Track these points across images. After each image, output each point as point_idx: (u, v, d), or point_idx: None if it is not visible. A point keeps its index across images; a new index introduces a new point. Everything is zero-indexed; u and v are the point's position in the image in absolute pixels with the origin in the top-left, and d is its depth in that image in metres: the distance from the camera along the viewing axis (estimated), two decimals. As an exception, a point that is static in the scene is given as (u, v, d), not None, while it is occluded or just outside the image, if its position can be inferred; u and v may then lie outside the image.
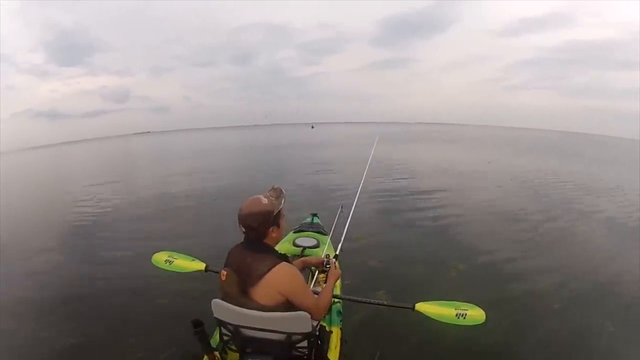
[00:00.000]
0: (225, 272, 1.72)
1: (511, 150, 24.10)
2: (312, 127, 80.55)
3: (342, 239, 2.89)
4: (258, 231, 1.72)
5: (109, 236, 6.32)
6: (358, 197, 3.58)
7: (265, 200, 1.74)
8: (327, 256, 2.33)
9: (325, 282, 2.86)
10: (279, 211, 1.78)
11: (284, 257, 1.77)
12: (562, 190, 9.96)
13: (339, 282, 3.01)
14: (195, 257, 2.66)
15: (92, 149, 41.84)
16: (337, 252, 2.68)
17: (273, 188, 1.86)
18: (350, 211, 3.28)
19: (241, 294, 1.67)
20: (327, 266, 2.25)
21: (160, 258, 2.68)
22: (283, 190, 1.86)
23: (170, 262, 2.64)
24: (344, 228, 3.03)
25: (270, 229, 1.74)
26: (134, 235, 6.21)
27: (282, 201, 1.81)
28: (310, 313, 1.69)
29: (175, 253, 2.72)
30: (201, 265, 2.54)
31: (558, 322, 3.38)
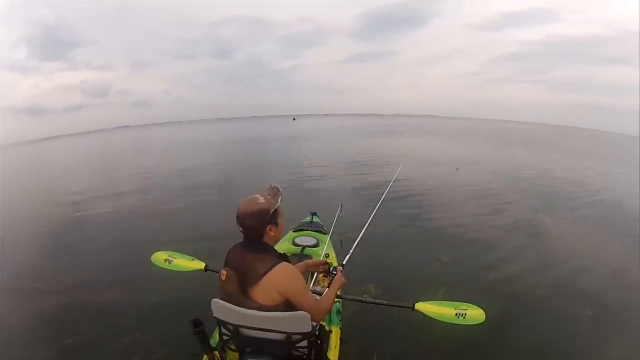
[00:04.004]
0: (225, 272, 1.71)
1: (492, 143, 24.39)
2: (294, 120, 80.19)
3: (352, 250, 2.73)
4: (256, 230, 1.71)
5: (103, 236, 6.16)
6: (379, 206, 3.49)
7: (261, 200, 1.74)
8: (331, 264, 2.29)
9: (326, 285, 2.85)
10: (276, 210, 1.77)
11: (284, 257, 1.77)
12: (541, 183, 10.25)
13: None
14: (194, 257, 2.63)
15: (75, 144, 40.63)
16: (345, 263, 2.57)
17: (270, 187, 1.85)
18: (368, 220, 3.12)
19: (241, 294, 1.65)
20: (334, 273, 2.21)
21: (159, 257, 2.66)
22: (280, 188, 1.85)
23: (170, 262, 2.62)
24: (355, 242, 2.82)
25: (268, 227, 1.73)
26: (130, 234, 6.14)
27: (279, 200, 1.81)
28: (309, 314, 1.68)
29: (175, 253, 2.70)
30: (201, 265, 2.52)
31: (542, 311, 3.53)
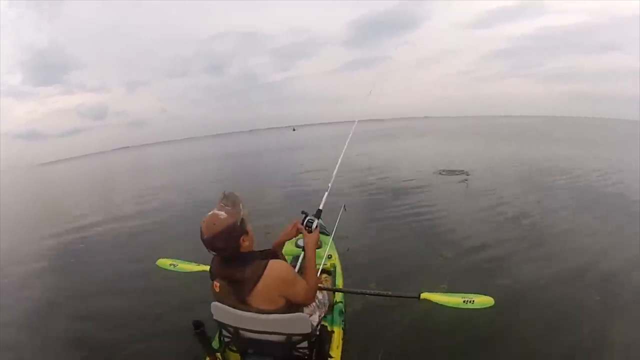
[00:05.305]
0: (218, 284, 1.67)
1: (486, 139, 24.22)
2: (294, 130, 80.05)
3: (326, 194, 2.59)
4: (229, 249, 1.60)
5: (106, 250, 6.20)
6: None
7: (223, 214, 1.57)
8: (306, 219, 2.08)
9: (326, 282, 2.81)
10: (242, 218, 1.63)
11: (266, 255, 1.71)
12: (540, 174, 10.13)
13: (340, 277, 2.98)
14: (199, 263, 2.67)
15: (75, 167, 40.67)
16: (321, 207, 2.41)
17: (225, 196, 1.65)
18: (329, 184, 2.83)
19: (240, 304, 1.63)
20: (307, 228, 2.03)
21: (164, 263, 2.75)
22: (237, 194, 1.69)
23: (175, 266, 2.71)
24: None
25: (241, 239, 1.62)
26: (132, 247, 6.20)
27: (241, 206, 1.65)
28: (306, 297, 1.72)
29: (178, 260, 2.77)
30: (206, 268, 2.47)
31: (548, 299, 3.47)
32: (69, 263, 5.66)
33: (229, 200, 1.64)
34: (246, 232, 1.64)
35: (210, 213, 1.59)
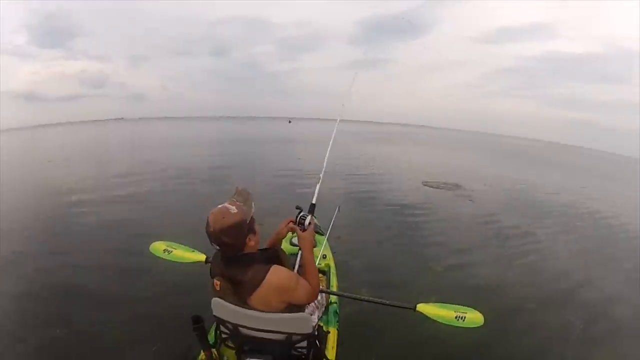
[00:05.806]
0: (218, 282, 1.63)
1: (486, 156, 24.71)
2: (290, 122, 79.66)
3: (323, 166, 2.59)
4: (235, 246, 1.54)
5: (99, 226, 6.03)
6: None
7: (233, 209, 1.52)
8: (299, 215, 1.97)
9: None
10: (252, 217, 1.61)
11: (268, 257, 1.68)
12: (535, 197, 10.32)
13: (334, 277, 2.98)
14: (194, 249, 2.59)
15: (72, 133, 39.71)
16: (314, 201, 2.35)
17: (238, 192, 1.63)
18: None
19: (240, 304, 1.61)
20: (300, 225, 1.93)
21: (158, 247, 2.60)
22: (249, 191, 1.67)
23: (169, 252, 2.56)
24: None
25: (247, 238, 1.57)
26: (126, 225, 6.04)
27: (252, 204, 1.63)
28: (309, 298, 1.70)
29: (174, 243, 2.64)
30: (201, 257, 2.46)
31: (533, 322, 3.58)
32: (58, 238, 5.51)
33: (242, 196, 1.61)
34: (254, 232, 1.61)
35: (220, 206, 1.55)
